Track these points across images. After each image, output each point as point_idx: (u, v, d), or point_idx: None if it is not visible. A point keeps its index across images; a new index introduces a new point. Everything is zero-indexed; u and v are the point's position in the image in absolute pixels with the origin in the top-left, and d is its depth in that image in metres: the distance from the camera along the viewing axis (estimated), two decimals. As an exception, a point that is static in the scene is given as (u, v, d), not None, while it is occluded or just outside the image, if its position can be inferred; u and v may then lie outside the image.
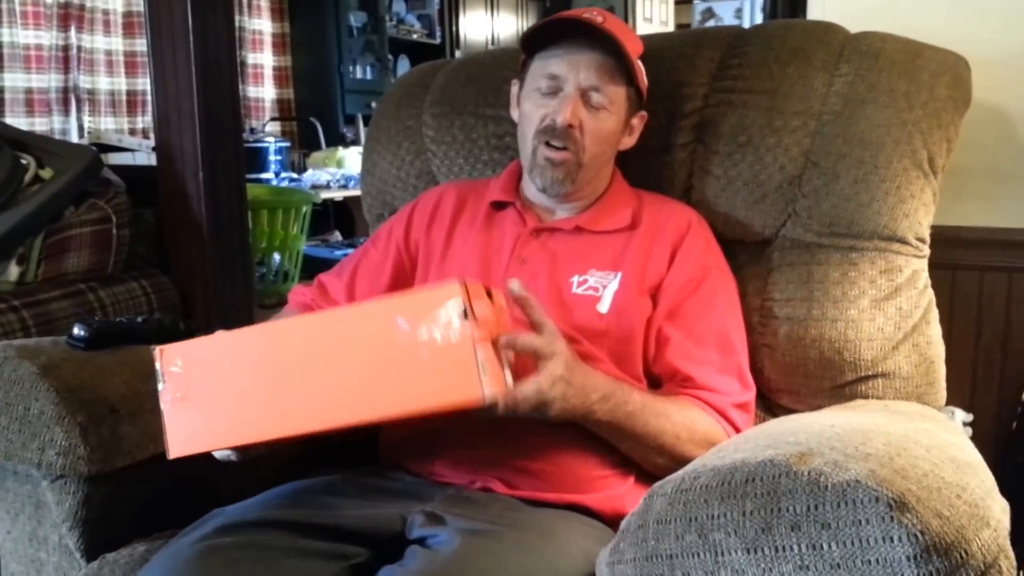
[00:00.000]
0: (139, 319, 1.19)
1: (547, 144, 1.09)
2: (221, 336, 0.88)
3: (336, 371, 0.81)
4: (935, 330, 1.13)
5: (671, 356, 1.06)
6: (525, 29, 1.16)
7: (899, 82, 1.11)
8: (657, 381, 1.09)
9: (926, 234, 1.13)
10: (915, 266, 1.12)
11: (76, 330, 1.10)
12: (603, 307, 1.07)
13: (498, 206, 1.20)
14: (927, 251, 1.14)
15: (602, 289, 1.08)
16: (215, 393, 0.86)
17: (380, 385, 0.80)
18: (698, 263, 1.10)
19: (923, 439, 0.75)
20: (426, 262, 1.20)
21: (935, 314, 1.14)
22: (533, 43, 1.13)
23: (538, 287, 1.10)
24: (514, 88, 1.19)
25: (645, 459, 1.01)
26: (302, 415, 0.83)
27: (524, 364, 0.88)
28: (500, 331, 0.85)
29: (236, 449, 0.90)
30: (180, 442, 0.87)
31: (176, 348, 0.87)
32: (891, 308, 1.10)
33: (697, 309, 1.07)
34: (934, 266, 1.15)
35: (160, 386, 0.87)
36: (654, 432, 0.97)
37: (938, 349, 1.13)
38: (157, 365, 0.87)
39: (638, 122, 1.17)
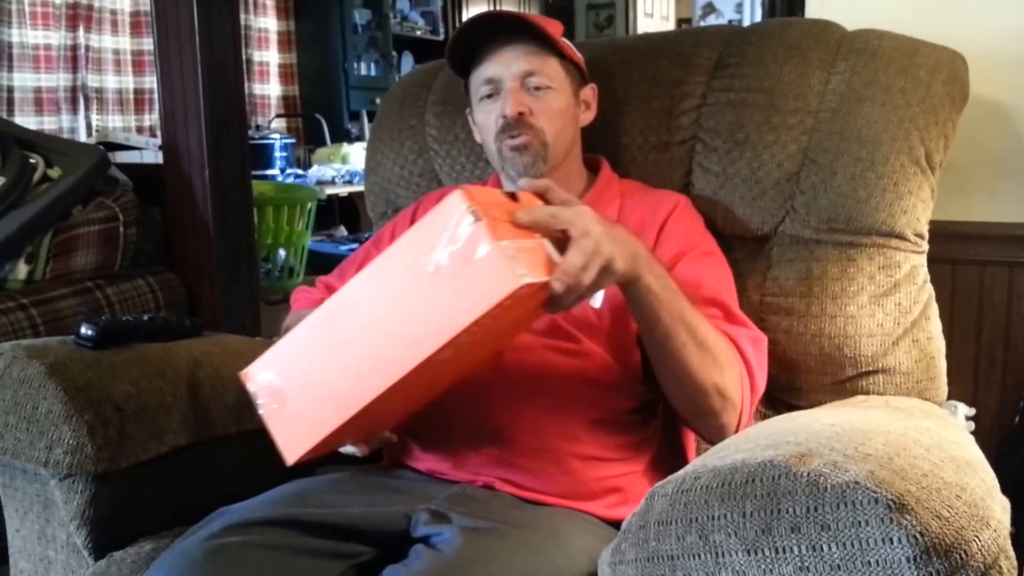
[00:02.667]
0: (145, 317, 1.20)
1: (510, 137, 1.10)
2: (287, 338, 0.88)
3: (388, 323, 0.81)
4: (935, 325, 1.13)
5: None
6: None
7: (896, 79, 1.11)
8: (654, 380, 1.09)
9: (924, 230, 1.13)
10: (914, 262, 1.12)
11: (83, 329, 1.10)
12: (596, 302, 1.07)
13: None
14: (926, 247, 1.14)
15: None
16: (303, 387, 0.87)
17: (431, 318, 0.79)
18: (684, 239, 1.10)
19: (923, 438, 0.75)
20: None
21: (935, 309, 1.14)
22: (463, 62, 1.15)
23: None
24: (468, 115, 1.21)
25: (676, 366, 0.95)
26: (377, 375, 0.83)
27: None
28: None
29: (350, 435, 0.92)
30: (292, 446, 0.88)
31: (255, 366, 0.88)
32: (890, 304, 1.11)
33: (684, 278, 1.04)
34: (935, 261, 1.15)
35: (258, 405, 0.88)
36: (692, 323, 0.93)
37: (938, 344, 1.13)
38: (247, 386, 0.89)
39: (591, 94, 1.19)
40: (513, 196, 0.85)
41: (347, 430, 0.88)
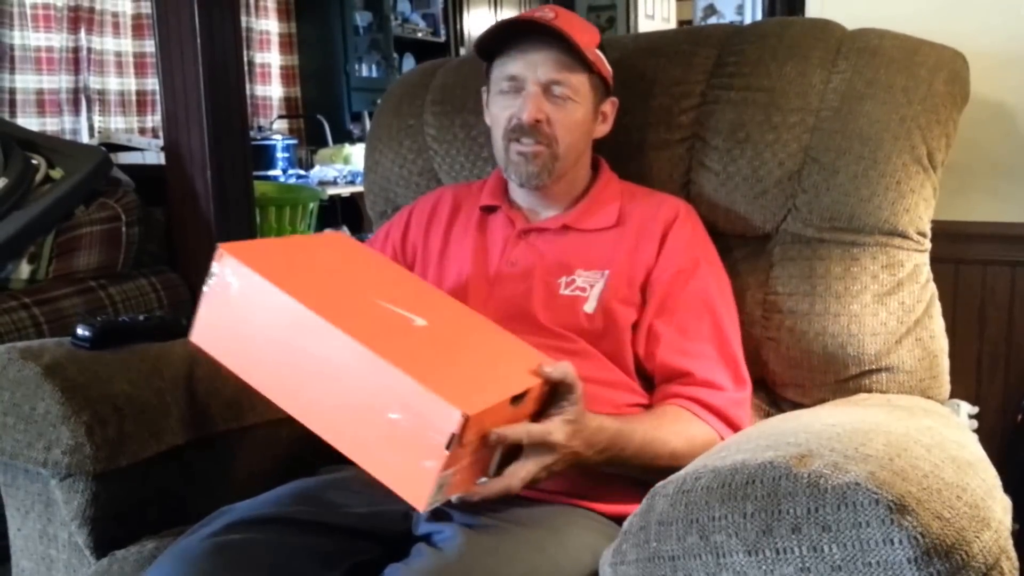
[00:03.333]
0: (142, 317, 1.20)
1: (518, 141, 1.09)
2: (272, 287, 0.85)
3: (334, 389, 0.82)
4: (938, 324, 1.13)
5: (664, 354, 1.05)
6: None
7: (897, 78, 1.11)
8: (650, 379, 1.09)
9: (927, 228, 1.13)
10: (917, 260, 1.12)
11: (80, 330, 1.10)
12: (590, 307, 1.07)
13: (488, 210, 1.20)
14: (928, 245, 1.13)
15: (589, 289, 1.08)
16: (245, 322, 0.86)
17: (357, 431, 0.81)
18: (686, 253, 1.10)
19: (924, 438, 0.75)
20: (423, 265, 1.21)
21: (938, 308, 1.13)
22: (490, 49, 1.13)
23: (527, 288, 1.10)
24: (484, 95, 1.20)
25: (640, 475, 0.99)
26: (292, 400, 0.84)
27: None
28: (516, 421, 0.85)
29: None
30: (202, 334, 0.88)
31: (236, 264, 0.86)
32: (894, 302, 1.10)
33: (688, 304, 1.07)
34: (937, 260, 1.15)
35: (209, 279, 0.87)
36: (649, 463, 0.96)
37: (941, 343, 1.13)
38: (215, 263, 0.87)
39: (610, 108, 1.17)
40: (521, 396, 0.85)
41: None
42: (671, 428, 0.99)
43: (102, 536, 1.04)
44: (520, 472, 0.85)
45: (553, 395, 0.89)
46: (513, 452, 0.86)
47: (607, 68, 1.14)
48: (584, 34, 1.10)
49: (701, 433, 1.01)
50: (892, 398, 1.09)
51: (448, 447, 0.76)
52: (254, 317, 0.86)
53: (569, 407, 0.88)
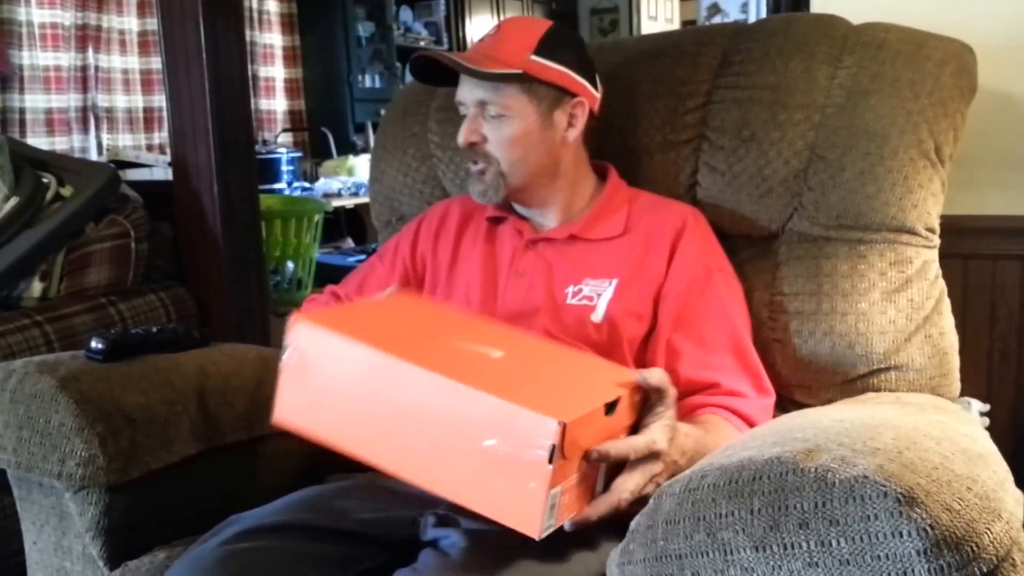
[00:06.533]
0: (154, 329, 1.20)
1: (471, 162, 1.13)
2: (349, 341, 0.85)
3: (426, 432, 0.81)
4: (947, 321, 1.12)
5: (687, 370, 1.05)
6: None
7: (903, 72, 1.10)
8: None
9: (935, 224, 1.12)
10: (925, 257, 1.11)
11: (94, 343, 1.11)
12: (597, 316, 1.07)
13: (496, 220, 1.21)
14: (937, 241, 1.13)
15: (596, 298, 1.09)
16: (326, 386, 0.86)
17: (456, 469, 0.79)
18: (698, 263, 1.10)
19: (933, 431, 0.75)
20: (433, 277, 1.22)
21: (947, 304, 1.13)
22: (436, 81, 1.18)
23: (535, 298, 1.11)
24: None
25: None
26: (386, 453, 0.83)
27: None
28: (614, 436, 0.84)
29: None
30: (286, 411, 0.88)
31: (309, 328, 0.87)
32: (902, 300, 1.09)
33: (704, 315, 1.07)
34: (946, 256, 1.14)
35: (285, 352, 0.87)
36: None
37: (951, 340, 1.12)
38: (289, 333, 0.87)
39: (577, 110, 1.12)
40: (613, 405, 0.84)
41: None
42: (725, 434, 0.99)
43: (115, 547, 1.05)
44: (628, 484, 0.83)
45: (645, 403, 0.89)
46: (618, 468, 0.85)
47: (556, 71, 1.10)
48: (514, 44, 1.09)
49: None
50: (901, 396, 1.08)
51: (550, 460, 0.74)
52: (335, 378, 0.86)
53: (666, 411, 0.87)
